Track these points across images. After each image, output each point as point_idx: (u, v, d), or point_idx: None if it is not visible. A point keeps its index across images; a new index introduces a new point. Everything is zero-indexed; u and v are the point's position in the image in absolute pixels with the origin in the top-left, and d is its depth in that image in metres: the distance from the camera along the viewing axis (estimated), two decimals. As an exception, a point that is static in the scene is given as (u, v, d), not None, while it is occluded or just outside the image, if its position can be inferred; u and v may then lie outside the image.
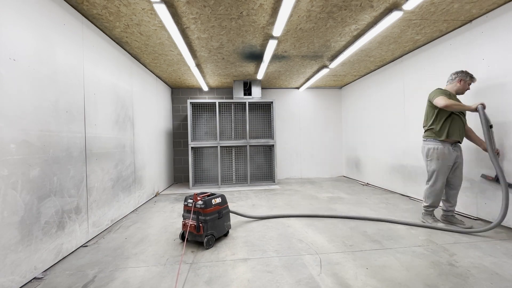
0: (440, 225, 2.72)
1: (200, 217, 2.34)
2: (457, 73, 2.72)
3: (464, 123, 2.70)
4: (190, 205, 2.41)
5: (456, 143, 2.73)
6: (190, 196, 2.50)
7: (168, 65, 4.41)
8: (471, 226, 2.64)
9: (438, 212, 3.08)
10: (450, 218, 2.80)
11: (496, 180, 2.67)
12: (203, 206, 2.35)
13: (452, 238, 2.42)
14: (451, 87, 2.77)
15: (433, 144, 2.75)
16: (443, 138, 2.66)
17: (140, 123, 4.04)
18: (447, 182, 2.76)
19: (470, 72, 2.75)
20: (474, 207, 2.96)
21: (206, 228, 2.32)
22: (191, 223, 2.36)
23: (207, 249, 2.31)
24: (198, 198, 2.40)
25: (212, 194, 2.55)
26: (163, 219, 3.26)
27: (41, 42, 2.02)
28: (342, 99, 6.57)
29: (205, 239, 2.30)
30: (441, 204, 2.77)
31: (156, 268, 1.98)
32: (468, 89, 2.73)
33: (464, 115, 2.73)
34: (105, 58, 3.01)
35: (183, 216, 2.50)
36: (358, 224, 2.85)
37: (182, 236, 2.47)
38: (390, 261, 2.00)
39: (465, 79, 2.67)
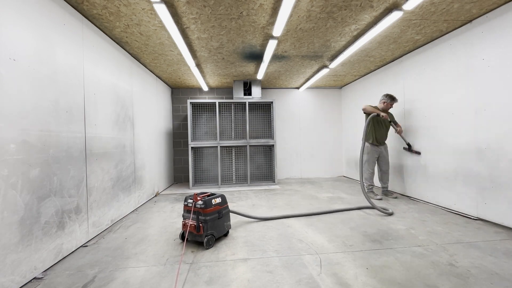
0: (378, 197, 3.97)
1: (200, 217, 2.34)
2: (382, 96, 4.01)
3: (384, 132, 4.10)
4: (190, 205, 2.41)
5: (379, 143, 4.07)
6: (190, 196, 2.49)
7: (168, 65, 4.42)
8: (396, 197, 4.05)
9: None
10: (385, 192, 4.17)
11: (408, 149, 3.98)
12: (203, 206, 2.35)
13: (452, 238, 2.42)
14: (379, 105, 4.04)
15: (366, 144, 4.07)
16: (370, 141, 4.03)
17: (140, 123, 4.04)
18: (379, 167, 4.15)
19: (394, 95, 4.12)
20: (474, 207, 2.97)
21: (206, 228, 2.32)
22: (191, 223, 2.35)
23: (207, 249, 2.31)
24: (198, 198, 2.39)
25: (212, 194, 2.54)
26: (163, 219, 3.26)
27: (41, 42, 2.02)
28: (342, 99, 6.57)
29: (205, 239, 2.30)
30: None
31: (156, 268, 1.98)
32: (391, 107, 4.01)
33: (386, 126, 4.09)
34: (105, 58, 3.01)
35: (183, 216, 2.50)
36: (358, 224, 2.86)
37: (182, 236, 2.47)
38: (390, 261, 2.00)
39: (387, 101, 3.94)
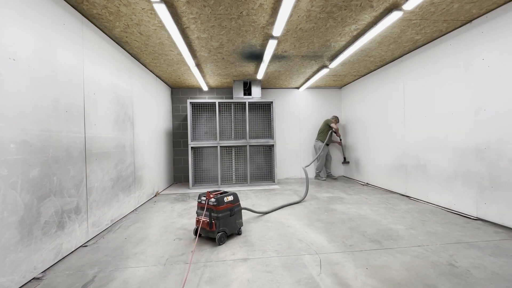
0: (323, 179, 5.99)
1: (212, 214, 2.41)
2: (333, 116, 6.17)
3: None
4: (204, 202, 2.49)
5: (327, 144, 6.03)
6: (203, 193, 2.57)
7: (168, 65, 4.41)
8: (336, 178, 6.07)
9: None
10: (330, 175, 6.13)
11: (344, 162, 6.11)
12: (215, 203, 2.41)
13: (452, 238, 2.42)
14: (334, 124, 5.96)
15: (320, 143, 5.95)
16: (325, 142, 5.77)
17: (140, 123, 4.04)
18: (327, 159, 6.14)
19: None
20: (474, 207, 2.97)
21: (218, 225, 2.39)
22: (204, 219, 2.43)
23: (219, 245, 2.39)
24: (211, 196, 2.46)
25: (225, 192, 2.61)
26: (163, 219, 3.26)
27: (41, 42, 2.02)
28: (342, 99, 6.57)
29: (217, 236, 2.37)
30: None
31: (156, 268, 1.98)
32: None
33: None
34: (105, 58, 3.01)
35: (197, 212, 2.58)
36: (358, 224, 2.86)
37: (196, 232, 2.54)
38: (390, 261, 2.00)
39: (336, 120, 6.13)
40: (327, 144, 5.87)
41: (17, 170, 1.74)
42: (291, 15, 2.79)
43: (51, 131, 2.08)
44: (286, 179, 6.34)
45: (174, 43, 3.46)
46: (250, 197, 4.42)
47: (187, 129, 6.16)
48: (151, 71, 4.70)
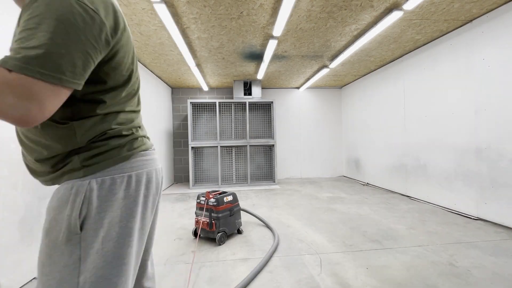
0: None
1: (212, 214, 2.41)
2: None
3: None
4: (203, 202, 2.48)
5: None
6: (202, 194, 2.56)
7: (168, 65, 4.41)
8: None
9: None
10: None
11: None
12: (215, 203, 2.41)
13: (452, 238, 2.42)
14: None
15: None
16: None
17: (140, 123, 4.03)
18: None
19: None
20: (474, 207, 2.97)
21: (218, 225, 2.39)
22: (204, 220, 2.43)
23: (219, 245, 2.38)
24: (211, 196, 2.46)
25: (224, 192, 2.61)
26: (163, 219, 3.26)
27: (41, 42, 2.02)
28: (342, 99, 6.57)
29: (218, 236, 2.37)
30: None
31: (156, 268, 1.98)
32: None
33: None
34: (105, 58, 3.00)
35: (195, 213, 2.57)
36: (359, 224, 2.86)
37: (195, 233, 2.54)
38: (390, 261, 2.00)
39: None
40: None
41: (17, 170, 1.74)
42: (291, 15, 2.79)
43: (51, 131, 2.08)
44: (286, 179, 6.34)
45: (175, 43, 3.46)
46: (250, 197, 4.42)
47: (187, 129, 6.16)
48: (151, 71, 4.70)
